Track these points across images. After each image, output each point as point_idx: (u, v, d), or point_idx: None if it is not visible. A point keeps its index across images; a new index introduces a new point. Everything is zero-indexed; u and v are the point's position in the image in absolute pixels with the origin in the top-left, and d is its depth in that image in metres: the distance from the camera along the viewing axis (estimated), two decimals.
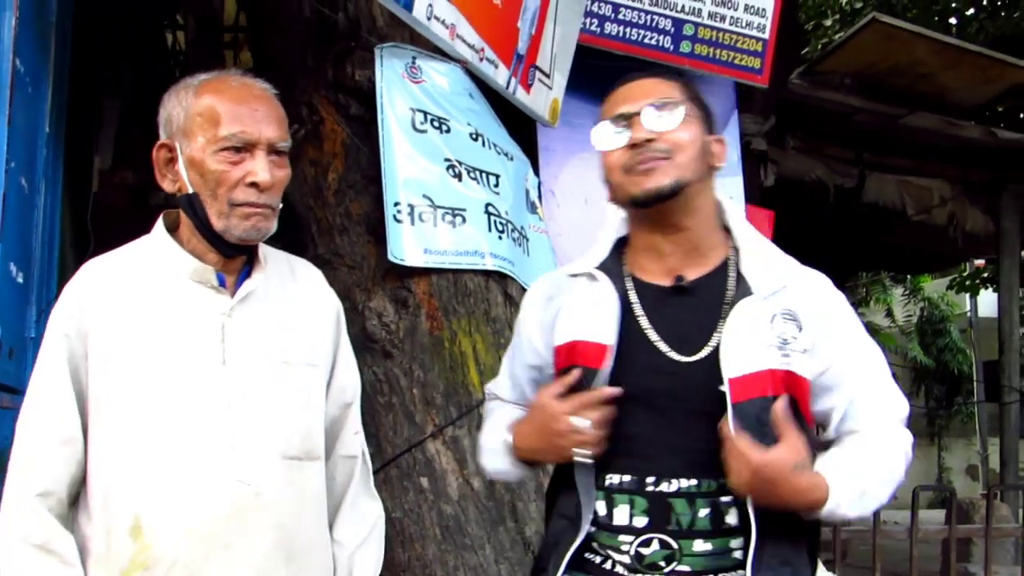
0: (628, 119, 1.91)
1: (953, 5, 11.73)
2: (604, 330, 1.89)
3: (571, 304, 1.99)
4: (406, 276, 3.45)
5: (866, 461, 1.86)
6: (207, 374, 1.90)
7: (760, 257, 1.95)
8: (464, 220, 3.51)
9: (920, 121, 7.13)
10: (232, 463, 1.87)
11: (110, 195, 4.27)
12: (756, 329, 1.84)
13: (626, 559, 1.86)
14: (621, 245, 2.05)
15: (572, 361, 1.93)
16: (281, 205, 2.00)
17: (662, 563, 1.83)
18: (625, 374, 1.88)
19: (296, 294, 2.09)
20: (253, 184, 1.89)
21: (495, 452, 2.07)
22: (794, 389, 1.84)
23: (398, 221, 3.38)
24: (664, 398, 1.87)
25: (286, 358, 1.99)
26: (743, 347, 1.83)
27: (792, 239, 7.81)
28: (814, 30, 11.85)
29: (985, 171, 7.94)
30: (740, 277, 1.92)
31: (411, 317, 3.46)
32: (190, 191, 1.92)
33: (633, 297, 1.94)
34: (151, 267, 1.97)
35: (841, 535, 5.63)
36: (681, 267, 1.94)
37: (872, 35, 6.50)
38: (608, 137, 1.94)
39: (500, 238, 3.60)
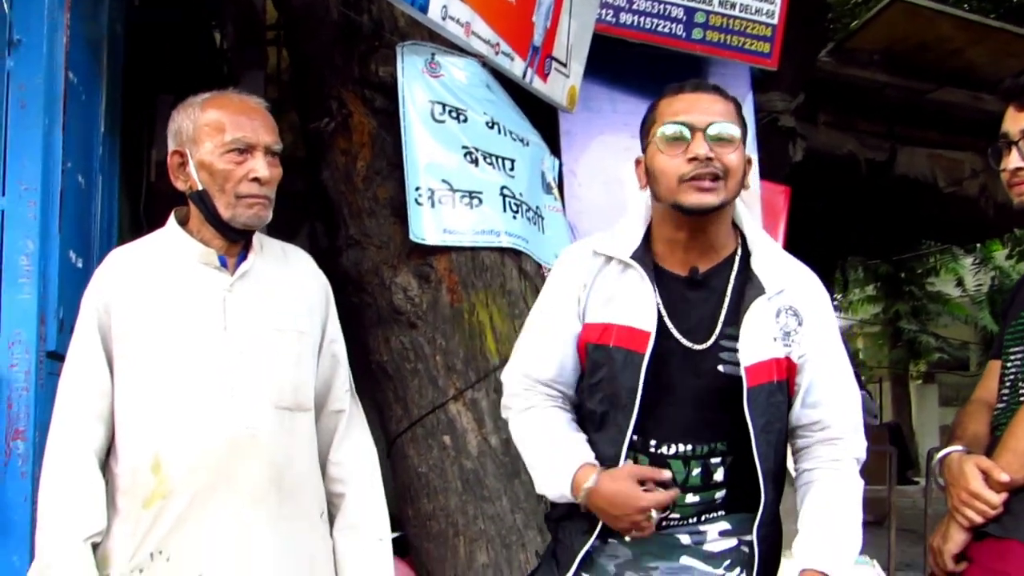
0: (692, 130, 2.09)
1: None
2: (646, 318, 2.13)
3: (607, 287, 2.22)
4: (428, 254, 3.77)
5: (840, 528, 2.13)
6: (211, 338, 2.28)
7: (769, 258, 2.21)
8: (480, 202, 3.81)
9: (948, 96, 7.21)
10: (232, 411, 2.25)
11: (165, 183, 4.61)
12: (765, 323, 2.14)
13: None
14: (646, 232, 2.26)
15: (609, 341, 2.15)
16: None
17: None
18: (652, 358, 2.12)
19: (288, 274, 2.47)
20: (255, 179, 2.28)
21: (556, 479, 2.18)
22: (790, 372, 2.16)
23: (419, 204, 3.69)
24: (675, 377, 2.14)
25: (278, 325, 2.36)
26: (756, 340, 2.12)
27: (826, 213, 7.95)
28: (854, 7, 11.78)
29: None
30: (751, 274, 2.18)
31: (433, 291, 3.78)
32: (200, 188, 2.30)
33: (655, 286, 2.16)
34: (164, 253, 2.37)
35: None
36: (696, 259, 2.19)
37: (896, 13, 6.58)
38: (667, 142, 2.11)
39: (515, 218, 3.90)
